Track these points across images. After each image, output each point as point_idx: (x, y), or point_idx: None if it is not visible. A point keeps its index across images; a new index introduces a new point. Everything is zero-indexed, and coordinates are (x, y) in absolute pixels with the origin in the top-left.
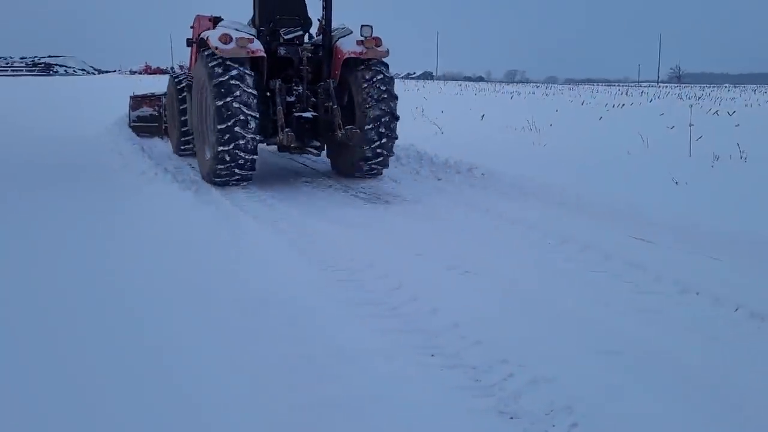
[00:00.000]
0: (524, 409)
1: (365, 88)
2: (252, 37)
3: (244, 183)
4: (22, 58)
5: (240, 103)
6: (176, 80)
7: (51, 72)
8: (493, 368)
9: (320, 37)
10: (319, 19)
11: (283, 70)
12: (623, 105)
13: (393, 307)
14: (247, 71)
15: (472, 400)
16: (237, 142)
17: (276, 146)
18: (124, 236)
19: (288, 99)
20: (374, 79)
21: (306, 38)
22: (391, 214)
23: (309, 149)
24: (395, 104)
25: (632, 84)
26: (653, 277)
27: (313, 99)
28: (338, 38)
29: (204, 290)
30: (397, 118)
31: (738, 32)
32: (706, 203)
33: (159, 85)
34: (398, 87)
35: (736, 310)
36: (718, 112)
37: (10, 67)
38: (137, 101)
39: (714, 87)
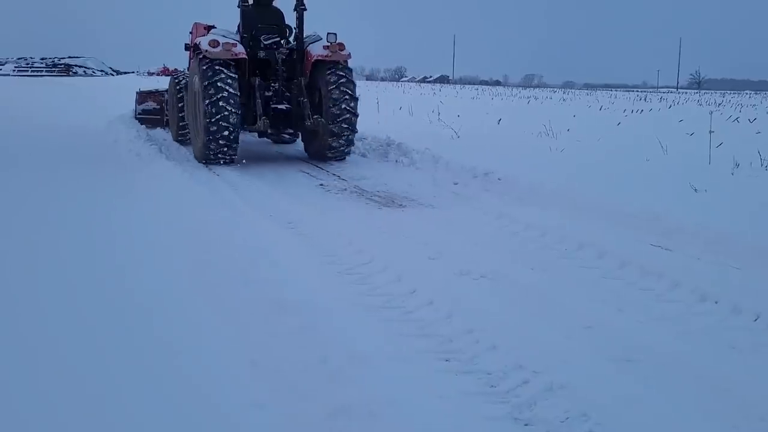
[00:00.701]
0: (539, 416)
1: (328, 76)
2: (236, 42)
3: (230, 159)
4: (42, 59)
5: (223, 84)
6: (176, 80)
7: (71, 73)
8: (508, 374)
9: (295, 42)
10: (294, 28)
11: (262, 69)
12: (642, 111)
13: (407, 311)
14: (231, 70)
15: (487, 407)
16: (222, 114)
17: (257, 133)
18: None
19: (266, 93)
20: (338, 75)
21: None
22: (406, 217)
23: (283, 135)
24: (353, 89)
25: (651, 89)
26: (671, 284)
27: (287, 94)
28: (309, 44)
29: (220, 290)
30: (356, 99)
31: (760, 38)
32: (726, 211)
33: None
34: (414, 90)
35: (756, 319)
36: (739, 119)
37: (30, 67)
38: (143, 96)
39: (735, 93)
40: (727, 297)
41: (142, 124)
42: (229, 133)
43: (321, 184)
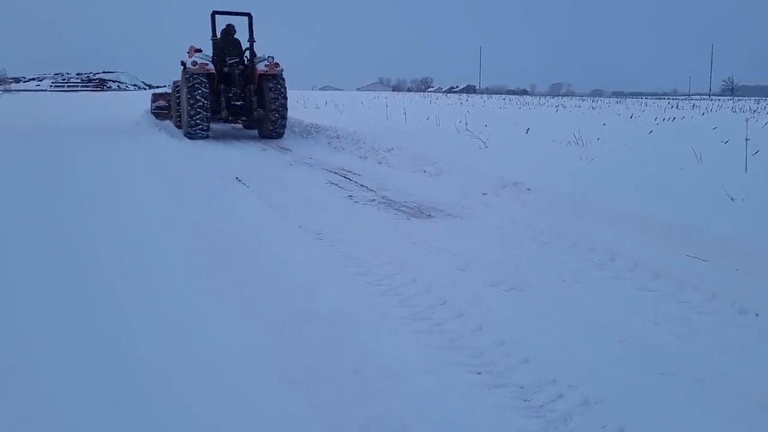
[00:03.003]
0: (575, 431)
1: (270, 89)
2: (209, 62)
3: (204, 137)
4: (78, 74)
5: (199, 94)
6: (175, 86)
7: (105, 87)
8: (542, 388)
9: (248, 61)
10: (248, 51)
11: (226, 79)
12: (674, 118)
13: (437, 322)
14: (204, 80)
15: (521, 421)
16: (198, 113)
17: (222, 120)
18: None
19: (228, 95)
20: (274, 83)
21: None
22: (435, 228)
23: (239, 122)
24: (285, 97)
25: (682, 97)
26: (708, 296)
27: (242, 95)
28: (257, 62)
29: (247, 300)
30: (286, 108)
31: None
32: (764, 220)
33: None
34: (441, 101)
35: None
36: None
37: (66, 83)
38: (156, 97)
39: None
40: None
41: (156, 117)
42: (202, 123)
43: (349, 195)
